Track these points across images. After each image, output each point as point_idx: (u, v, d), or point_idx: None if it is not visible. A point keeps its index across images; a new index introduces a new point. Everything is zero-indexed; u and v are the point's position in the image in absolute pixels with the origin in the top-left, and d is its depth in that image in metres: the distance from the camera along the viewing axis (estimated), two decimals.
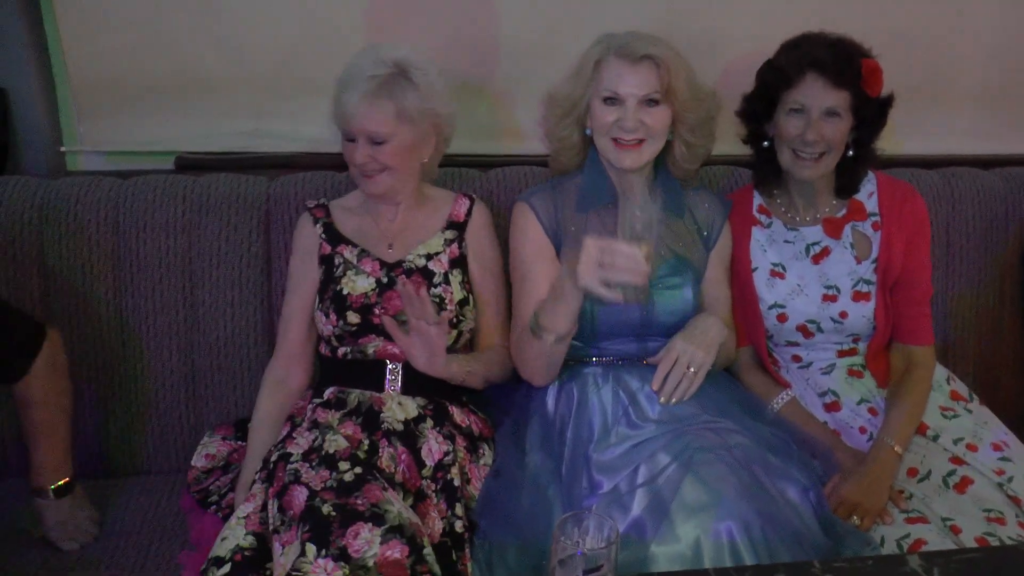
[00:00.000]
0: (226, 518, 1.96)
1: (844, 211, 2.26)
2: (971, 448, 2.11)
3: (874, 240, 2.23)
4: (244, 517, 1.89)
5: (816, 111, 2.10)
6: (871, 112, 2.15)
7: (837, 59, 2.09)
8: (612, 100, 2.09)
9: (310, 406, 2.10)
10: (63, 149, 2.54)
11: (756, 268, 2.26)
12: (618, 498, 1.89)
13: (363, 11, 2.48)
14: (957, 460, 2.08)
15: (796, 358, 2.27)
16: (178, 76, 2.49)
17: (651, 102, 2.08)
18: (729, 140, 2.32)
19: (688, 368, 2.03)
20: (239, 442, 2.23)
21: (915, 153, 2.74)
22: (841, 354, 2.24)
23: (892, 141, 2.32)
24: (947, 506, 1.97)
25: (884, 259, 2.21)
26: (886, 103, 2.17)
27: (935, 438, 2.15)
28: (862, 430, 2.17)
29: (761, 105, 2.19)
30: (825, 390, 2.22)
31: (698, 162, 2.23)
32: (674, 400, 2.03)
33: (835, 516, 1.92)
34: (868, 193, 2.27)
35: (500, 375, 2.19)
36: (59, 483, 2.04)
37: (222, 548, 1.83)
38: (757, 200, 2.31)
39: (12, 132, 2.49)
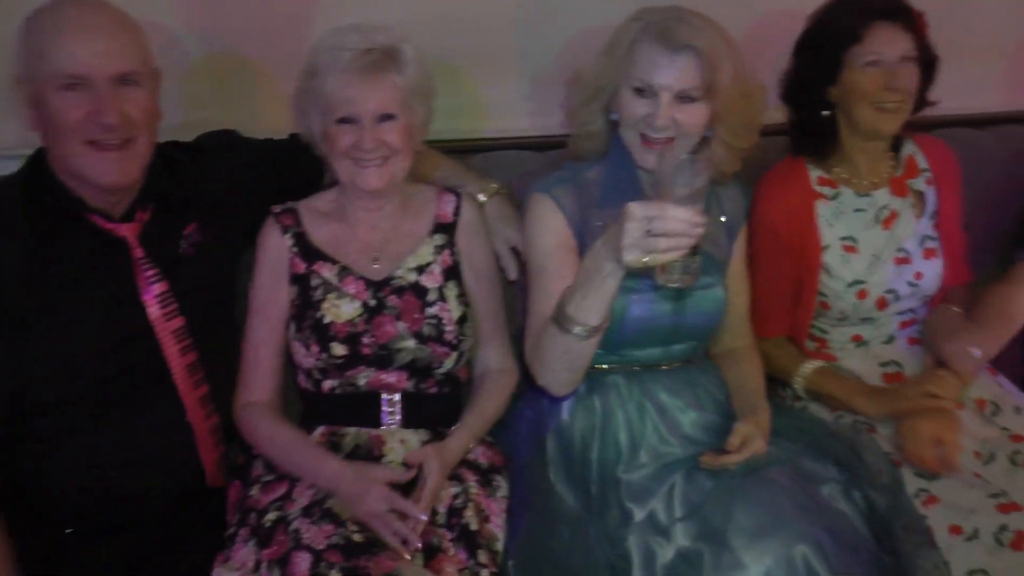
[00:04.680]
0: None
1: (902, 169, 2.16)
2: None
3: (928, 195, 2.16)
4: None
5: (893, 59, 1.99)
6: (928, 58, 2.06)
7: (897, 4, 2.01)
8: (644, 92, 1.81)
9: None
10: None
11: (827, 246, 2.09)
12: (658, 527, 1.72)
13: None
14: (1017, 437, 2.01)
15: (857, 337, 2.14)
16: None
17: (687, 98, 1.79)
18: None
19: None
20: None
21: None
22: (903, 324, 2.15)
23: None
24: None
25: (945, 212, 2.15)
26: (933, 48, 2.08)
27: (996, 411, 2.08)
28: None
29: (823, 70, 2.04)
30: (887, 360, 2.13)
31: (738, 165, 1.98)
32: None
33: (893, 510, 1.79)
34: (911, 150, 2.19)
35: (501, 410, 1.96)
36: None
37: None
38: (814, 172, 2.13)
39: None
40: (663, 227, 1.48)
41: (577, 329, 1.65)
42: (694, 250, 1.53)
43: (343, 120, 1.80)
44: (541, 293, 1.84)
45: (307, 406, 1.93)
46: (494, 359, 1.99)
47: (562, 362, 1.74)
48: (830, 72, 2.03)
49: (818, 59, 2.05)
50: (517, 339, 2.02)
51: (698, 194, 1.51)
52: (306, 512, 1.68)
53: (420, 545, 1.68)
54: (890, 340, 2.15)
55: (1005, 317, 2.05)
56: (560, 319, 1.67)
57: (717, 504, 1.70)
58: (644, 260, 1.50)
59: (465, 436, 1.86)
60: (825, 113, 2.07)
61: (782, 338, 2.15)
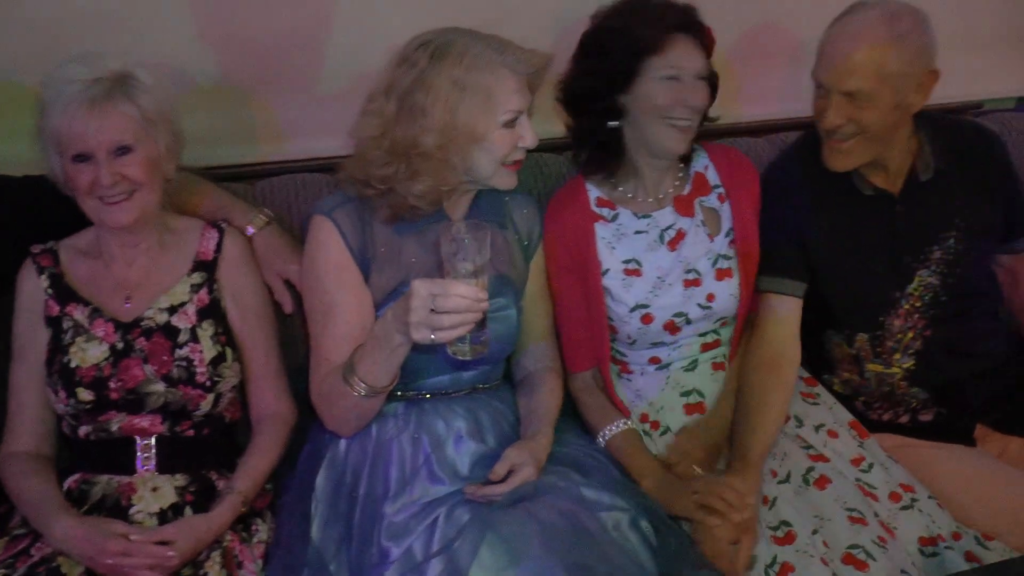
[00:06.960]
0: None
1: (690, 187, 2.05)
2: (832, 435, 1.99)
3: (722, 213, 2.06)
4: None
5: (690, 75, 1.91)
6: (714, 77, 1.99)
7: (695, 20, 1.93)
8: (511, 121, 1.78)
9: None
10: None
11: (607, 271, 2.00)
12: (413, 566, 1.66)
13: None
14: (816, 456, 1.94)
15: (655, 360, 2.04)
16: None
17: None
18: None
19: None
20: None
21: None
22: (705, 347, 2.04)
23: None
24: (811, 507, 1.83)
25: (740, 229, 2.04)
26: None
27: (799, 424, 2.01)
28: None
29: (613, 78, 1.92)
30: (690, 389, 2.03)
31: None
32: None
33: (683, 547, 1.74)
34: (703, 165, 2.09)
35: (277, 461, 1.90)
36: None
37: None
38: (593, 192, 2.04)
39: None
40: (446, 305, 1.49)
41: (366, 390, 1.68)
42: (482, 323, 1.54)
43: (78, 157, 1.73)
44: (326, 336, 1.80)
45: (69, 452, 1.87)
46: (269, 401, 1.93)
47: (351, 413, 1.77)
48: (622, 81, 1.92)
49: (608, 66, 1.93)
50: (298, 371, 1.96)
51: (481, 269, 1.53)
52: (32, 570, 1.62)
53: None
54: (693, 365, 2.04)
55: (768, 408, 1.94)
56: (349, 379, 1.69)
57: (467, 541, 1.64)
58: (432, 337, 1.52)
59: (236, 504, 1.79)
60: (613, 124, 1.97)
61: (590, 378, 2.05)
